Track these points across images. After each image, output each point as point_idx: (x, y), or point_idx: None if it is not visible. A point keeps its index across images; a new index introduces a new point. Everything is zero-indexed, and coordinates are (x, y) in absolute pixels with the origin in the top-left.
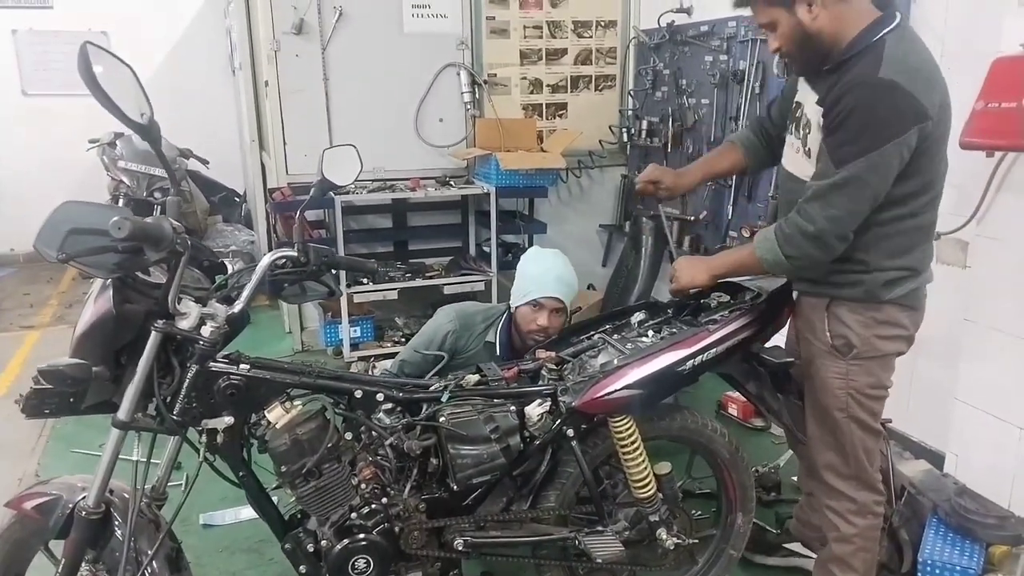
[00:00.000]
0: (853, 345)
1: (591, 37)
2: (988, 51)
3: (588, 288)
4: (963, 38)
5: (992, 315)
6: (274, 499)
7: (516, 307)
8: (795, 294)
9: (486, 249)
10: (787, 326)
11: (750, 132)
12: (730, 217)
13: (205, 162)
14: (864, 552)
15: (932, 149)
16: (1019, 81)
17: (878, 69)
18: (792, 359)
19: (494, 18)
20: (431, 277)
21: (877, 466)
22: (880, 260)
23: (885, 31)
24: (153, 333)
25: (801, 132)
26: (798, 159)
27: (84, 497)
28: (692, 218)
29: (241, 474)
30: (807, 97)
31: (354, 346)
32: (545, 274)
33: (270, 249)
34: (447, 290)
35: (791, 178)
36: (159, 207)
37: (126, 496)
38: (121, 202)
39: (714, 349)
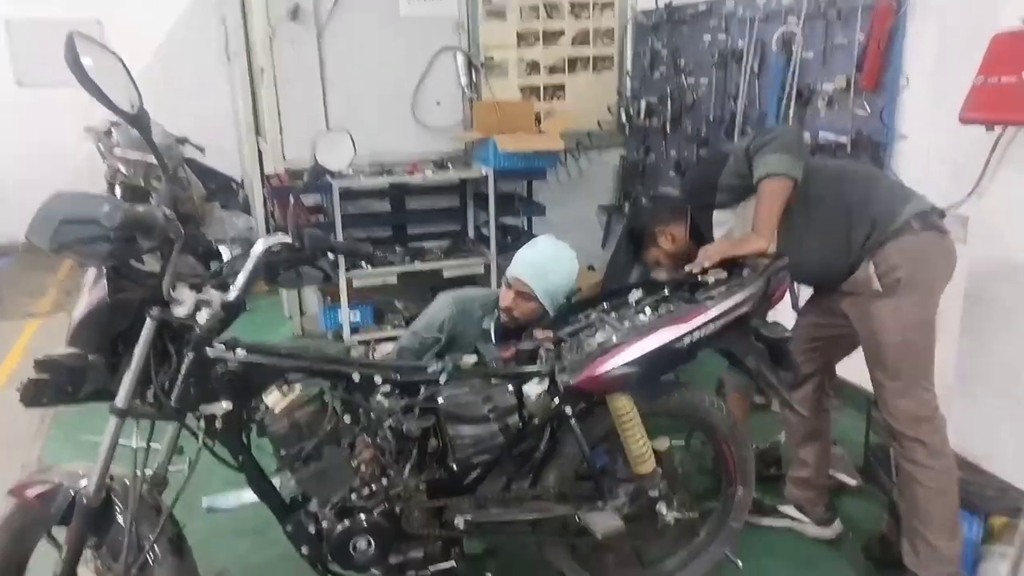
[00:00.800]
0: (899, 278)
1: (588, 18)
2: (987, 26)
3: (588, 269)
4: (962, 14)
5: (990, 290)
6: (275, 482)
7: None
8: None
9: (485, 232)
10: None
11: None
12: None
13: (201, 149)
14: (942, 496)
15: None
16: (1019, 55)
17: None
18: (789, 334)
19: (491, 0)
20: (430, 260)
21: (936, 404)
22: (853, 195)
23: None
24: (148, 321)
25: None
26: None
27: (85, 484)
28: None
29: (241, 458)
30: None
31: (354, 330)
32: (523, 256)
33: (268, 234)
34: (446, 273)
35: None
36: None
37: (127, 483)
38: (118, 189)
39: (711, 325)
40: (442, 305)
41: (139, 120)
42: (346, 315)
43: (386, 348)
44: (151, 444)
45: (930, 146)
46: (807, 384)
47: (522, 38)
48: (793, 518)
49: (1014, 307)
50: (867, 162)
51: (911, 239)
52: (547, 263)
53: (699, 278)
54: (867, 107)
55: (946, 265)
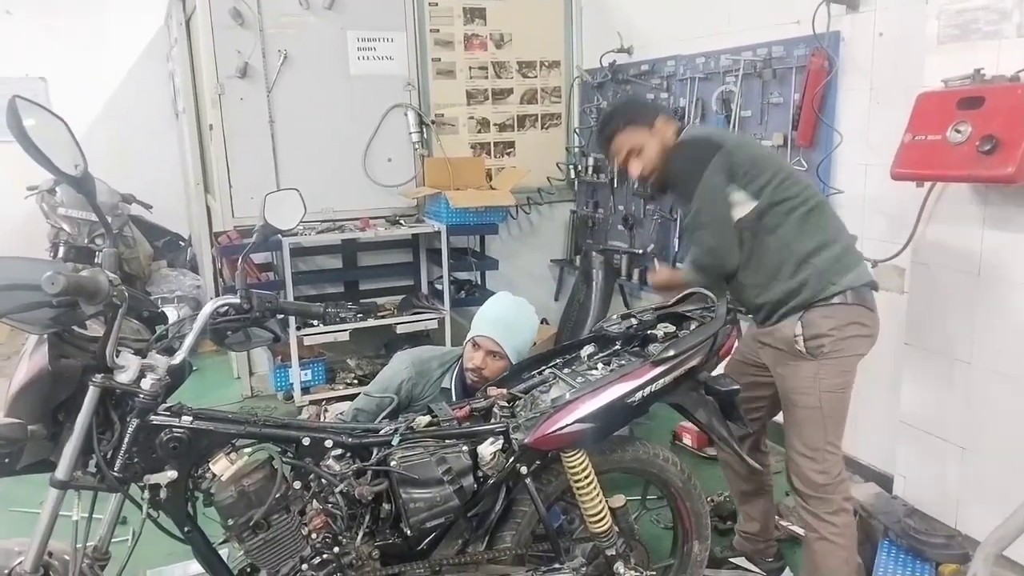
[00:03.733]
0: (822, 346)
1: (536, 77)
2: (913, 86)
3: (542, 322)
4: (889, 75)
5: (929, 338)
6: (223, 553)
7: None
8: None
9: (438, 287)
10: (735, 358)
11: None
12: (677, 249)
13: (148, 207)
14: (844, 550)
15: (751, 157)
16: (942, 115)
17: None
18: (738, 387)
19: (440, 60)
20: (383, 317)
21: (842, 468)
22: (806, 246)
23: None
24: (91, 388)
25: None
26: None
27: (21, 562)
28: (640, 251)
29: (187, 529)
30: None
31: (305, 389)
32: (488, 314)
33: (216, 293)
34: (400, 329)
35: None
36: (100, 255)
37: (66, 558)
38: (61, 250)
39: (662, 379)
40: (399, 366)
41: (83, 184)
42: (297, 374)
43: (338, 408)
44: (93, 515)
45: (865, 200)
46: (743, 444)
47: (471, 96)
48: (745, 569)
49: (952, 354)
50: None
51: (842, 310)
52: (513, 320)
53: (648, 332)
54: (804, 163)
55: (868, 342)
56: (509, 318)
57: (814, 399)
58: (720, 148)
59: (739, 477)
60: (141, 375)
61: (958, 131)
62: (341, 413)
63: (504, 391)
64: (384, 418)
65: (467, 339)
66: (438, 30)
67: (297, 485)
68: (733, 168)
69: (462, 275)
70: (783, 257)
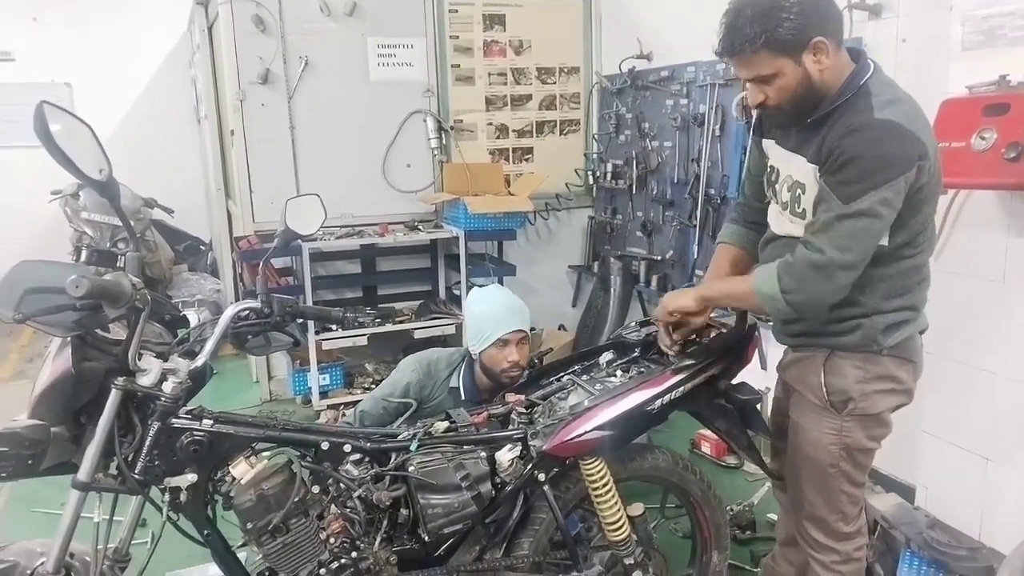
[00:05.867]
0: (851, 400)
1: (555, 83)
2: (937, 93)
3: (559, 328)
4: (912, 82)
5: (953, 348)
6: (241, 556)
7: (481, 352)
8: (785, 348)
9: (456, 292)
10: (776, 381)
11: (736, 225)
12: (696, 256)
13: (170, 211)
14: None
15: (930, 185)
16: (966, 121)
17: (872, 112)
18: (759, 395)
19: (459, 66)
20: (401, 322)
21: (861, 514)
22: (879, 302)
23: (866, 77)
24: (113, 391)
25: (785, 196)
26: (784, 222)
27: (43, 562)
28: (659, 257)
29: (206, 532)
30: (788, 161)
31: (323, 394)
32: (497, 310)
33: (236, 297)
34: (417, 334)
35: (781, 240)
36: (122, 258)
37: (87, 559)
38: (84, 253)
39: (681, 387)
40: (406, 369)
41: (108, 188)
42: (315, 379)
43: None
44: (114, 517)
45: None
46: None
47: (490, 102)
48: None
49: (977, 363)
50: None
51: (873, 359)
52: (515, 303)
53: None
54: None
55: (901, 397)
56: (514, 303)
57: (833, 457)
58: (924, 155)
59: (788, 516)
60: (163, 378)
61: (983, 138)
62: (345, 416)
63: (522, 397)
64: (402, 423)
65: (487, 344)
66: (458, 36)
67: (316, 489)
68: (916, 185)
69: (480, 280)
70: (853, 298)
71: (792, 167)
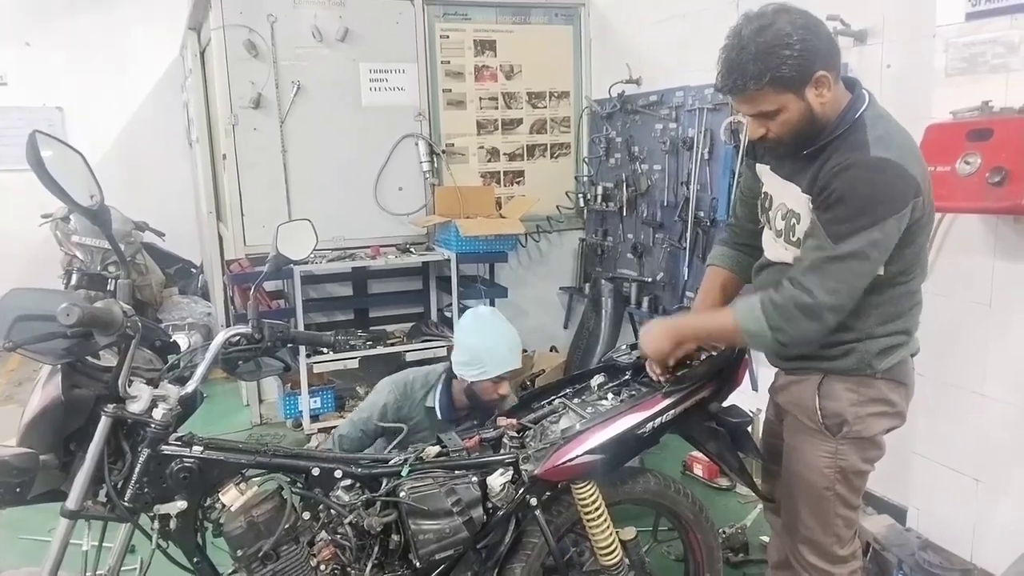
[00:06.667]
0: (846, 423)
1: (545, 107)
2: (921, 118)
3: (551, 350)
4: (897, 106)
5: (943, 370)
6: None
7: (473, 381)
8: (777, 371)
9: (448, 314)
10: (768, 403)
11: (726, 248)
12: (686, 278)
13: (161, 234)
14: None
15: (924, 219)
16: (951, 146)
17: (867, 148)
18: (750, 418)
19: (451, 90)
20: (393, 344)
21: (855, 537)
22: (873, 327)
23: (862, 110)
24: (103, 418)
25: (780, 224)
26: (778, 248)
27: None
28: (650, 279)
29: (196, 560)
30: (782, 188)
31: (314, 417)
32: (500, 349)
33: (227, 320)
34: (409, 357)
35: (776, 266)
36: (113, 283)
37: None
38: (75, 277)
39: (672, 411)
40: (382, 391)
41: (99, 215)
42: (306, 402)
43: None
44: (103, 545)
45: None
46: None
47: (482, 126)
48: None
49: (966, 385)
50: None
51: (867, 383)
52: (514, 340)
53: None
54: None
55: (894, 420)
56: (513, 341)
57: (828, 480)
58: (918, 192)
59: (780, 539)
60: (153, 405)
61: (967, 163)
62: (322, 444)
63: (514, 421)
64: (392, 448)
65: (483, 378)
66: (449, 61)
67: (306, 516)
68: (909, 222)
69: (471, 303)
70: (848, 323)
71: (786, 195)
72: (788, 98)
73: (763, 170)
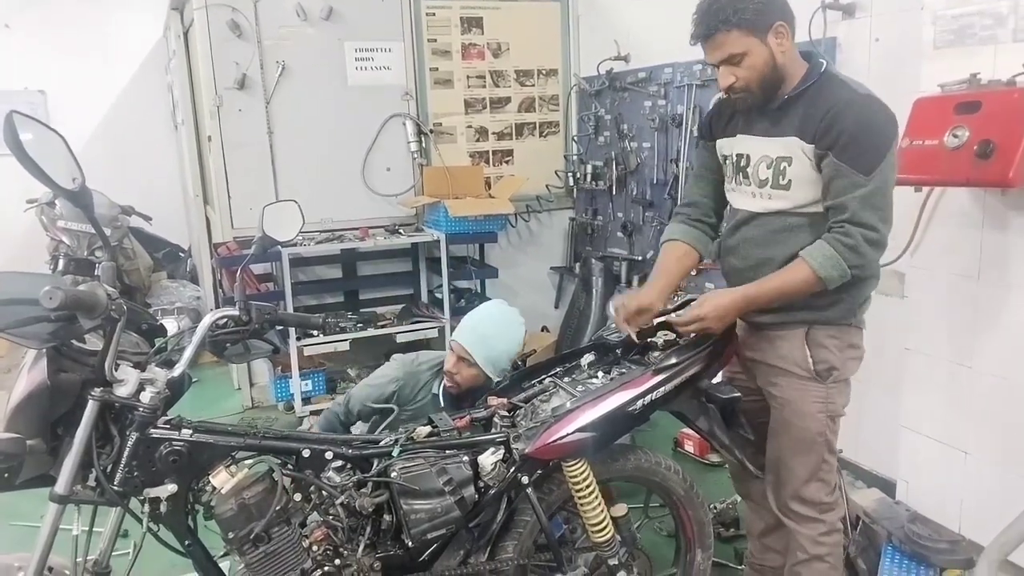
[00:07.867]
0: (834, 368)
1: (533, 85)
2: (909, 91)
3: (542, 330)
4: (886, 80)
5: (930, 343)
6: (224, 566)
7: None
8: (748, 332)
9: (438, 295)
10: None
11: (683, 224)
12: None
13: (148, 218)
14: (835, 570)
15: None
16: (939, 119)
17: (850, 89)
18: (739, 394)
19: (437, 69)
20: (383, 326)
21: (837, 485)
22: (856, 276)
23: (824, 66)
24: (90, 402)
25: (764, 174)
26: (762, 200)
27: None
28: (640, 258)
29: (187, 543)
30: (763, 143)
31: (306, 400)
32: (468, 321)
33: (217, 303)
34: (400, 338)
35: (760, 218)
36: (99, 267)
37: (67, 572)
38: (61, 262)
39: (663, 388)
40: (390, 371)
41: (80, 197)
42: (297, 385)
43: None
44: (93, 529)
45: None
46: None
47: (469, 105)
48: None
49: (954, 358)
50: None
51: (845, 331)
52: (489, 330)
53: (648, 340)
54: None
55: (860, 364)
56: (486, 328)
57: (821, 424)
58: (897, 124)
59: (762, 508)
60: (140, 388)
61: (955, 136)
62: (312, 427)
63: (504, 400)
64: (383, 429)
65: (497, 376)
66: (435, 40)
67: (297, 497)
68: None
69: (462, 284)
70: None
71: (768, 148)
72: (752, 42)
73: (730, 141)
